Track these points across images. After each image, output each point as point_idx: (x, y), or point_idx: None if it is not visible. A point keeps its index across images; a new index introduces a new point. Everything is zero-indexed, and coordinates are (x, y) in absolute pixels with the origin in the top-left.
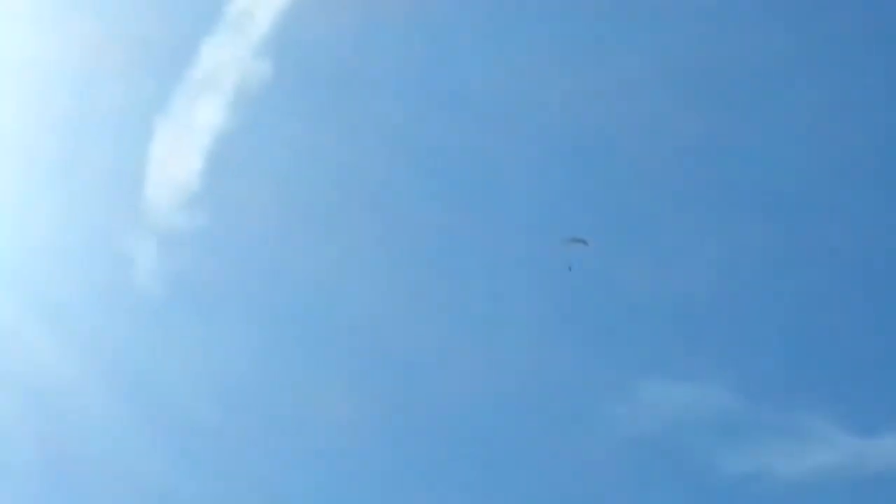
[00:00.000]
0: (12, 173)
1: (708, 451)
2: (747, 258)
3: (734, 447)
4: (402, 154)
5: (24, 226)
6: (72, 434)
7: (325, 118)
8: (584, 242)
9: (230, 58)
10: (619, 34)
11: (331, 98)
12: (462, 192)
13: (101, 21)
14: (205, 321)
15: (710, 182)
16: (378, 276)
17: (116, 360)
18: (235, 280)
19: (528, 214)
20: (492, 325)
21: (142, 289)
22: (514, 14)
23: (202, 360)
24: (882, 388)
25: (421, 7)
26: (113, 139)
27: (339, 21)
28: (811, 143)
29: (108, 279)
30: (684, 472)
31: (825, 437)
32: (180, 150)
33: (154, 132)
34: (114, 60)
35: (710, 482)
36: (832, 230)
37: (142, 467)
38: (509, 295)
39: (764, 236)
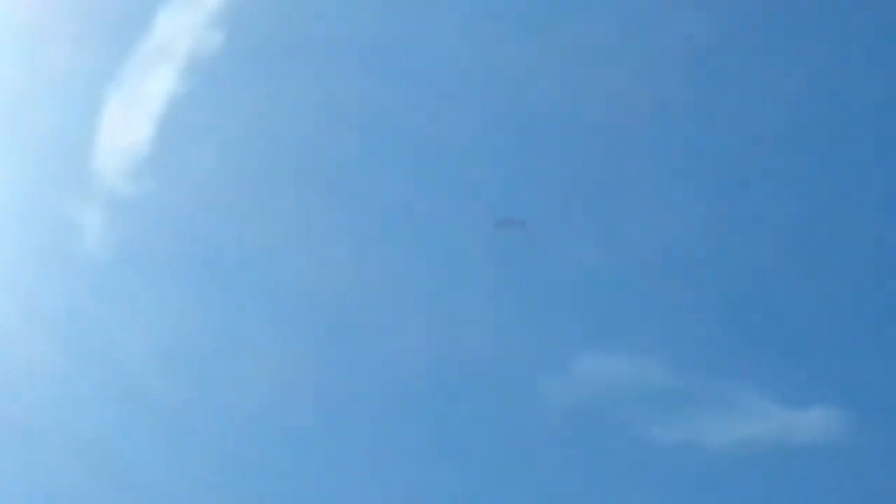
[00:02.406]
0: None
1: (640, 422)
2: (683, 231)
3: (666, 418)
4: (355, 125)
5: None
6: (19, 400)
7: (278, 88)
8: (521, 224)
9: (183, 26)
10: (570, 4)
11: (284, 68)
12: (412, 162)
13: None
14: (153, 288)
15: (651, 153)
16: (327, 246)
17: (64, 325)
18: (185, 248)
19: (473, 186)
20: (428, 294)
21: (90, 255)
22: None
23: (151, 326)
24: (811, 361)
25: None
26: (63, 106)
27: None
28: (758, 118)
29: (56, 245)
30: (616, 443)
31: (755, 409)
32: (131, 118)
33: (105, 100)
34: (65, 27)
35: (642, 452)
36: (768, 204)
37: (90, 433)
38: (448, 266)
39: (698, 208)
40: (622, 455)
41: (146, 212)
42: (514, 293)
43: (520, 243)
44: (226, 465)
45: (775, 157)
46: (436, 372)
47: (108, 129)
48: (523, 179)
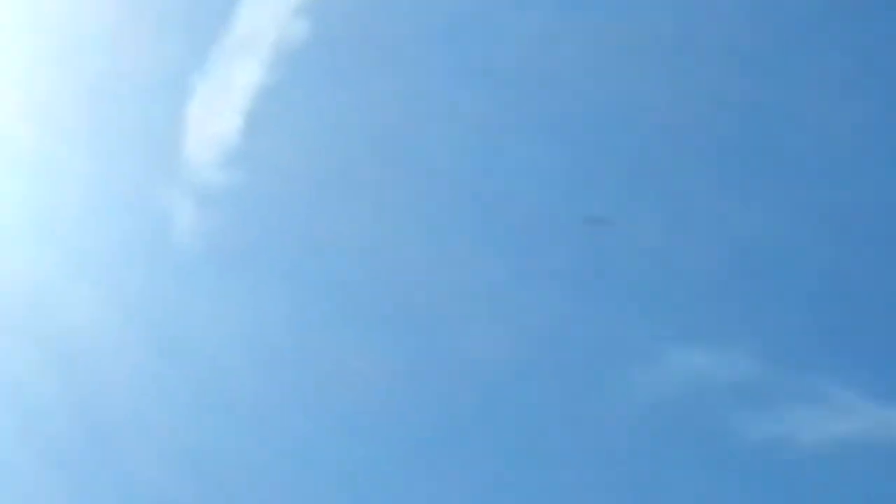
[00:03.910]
0: (51, 131)
1: (730, 417)
2: (774, 223)
3: (756, 413)
4: (442, 116)
5: (62, 184)
6: (108, 393)
7: (364, 79)
8: (609, 222)
9: (269, 16)
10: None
11: (369, 59)
12: (498, 154)
13: None
14: (243, 279)
15: (741, 144)
16: (414, 237)
17: (154, 318)
18: (273, 238)
19: (555, 174)
20: (515, 287)
21: (180, 246)
22: None
23: (240, 318)
24: None
25: None
26: (151, 98)
27: None
28: (856, 110)
29: (147, 237)
30: (706, 438)
31: (847, 405)
32: (218, 109)
33: (192, 91)
34: (152, 19)
35: (732, 448)
36: (863, 194)
37: (177, 426)
38: (533, 257)
39: (790, 200)
40: (713, 450)
41: (236, 202)
42: (603, 288)
43: (608, 238)
44: (315, 462)
45: (863, 149)
46: (525, 366)
47: (196, 120)
48: (611, 174)
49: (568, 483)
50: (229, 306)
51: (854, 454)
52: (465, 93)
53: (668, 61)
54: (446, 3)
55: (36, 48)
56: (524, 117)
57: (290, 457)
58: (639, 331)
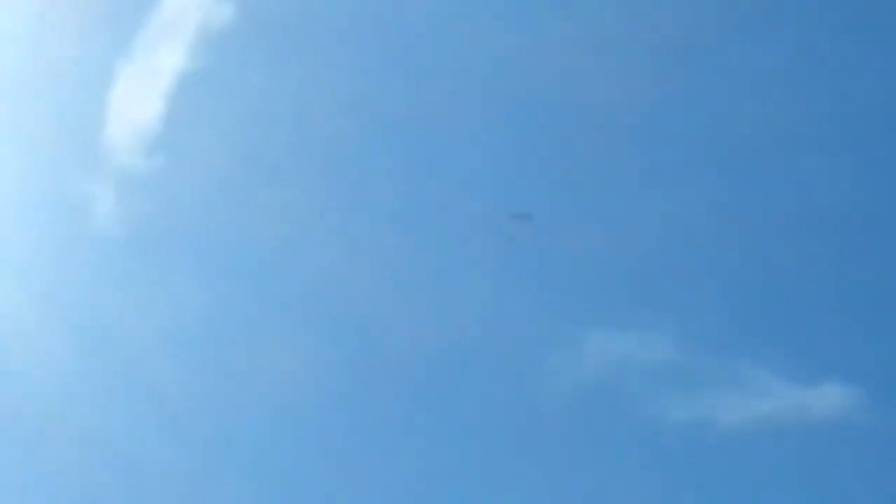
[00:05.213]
0: None
1: (651, 400)
2: (692, 209)
3: (677, 396)
4: (364, 105)
5: None
6: (27, 381)
7: (289, 65)
8: (529, 217)
9: (193, 1)
10: None
11: (293, 44)
12: (420, 147)
13: None
14: (164, 267)
15: (658, 134)
16: (337, 227)
17: (74, 305)
18: (196, 225)
19: (480, 167)
20: (438, 277)
21: (101, 233)
22: None
23: (162, 306)
24: (823, 338)
25: None
26: (73, 83)
27: None
28: (763, 99)
29: (68, 224)
30: (627, 422)
31: (767, 387)
32: (141, 95)
33: (114, 76)
34: (74, 3)
35: (653, 431)
36: (777, 183)
37: (99, 418)
38: (456, 248)
39: (709, 188)
40: (634, 433)
41: (158, 189)
42: (525, 275)
43: (530, 227)
44: (233, 452)
45: (780, 140)
46: (448, 353)
47: (118, 106)
48: (531, 165)
49: (493, 468)
50: (150, 293)
51: (774, 434)
52: (391, 81)
53: (586, 60)
54: None
55: None
56: (450, 110)
57: (210, 447)
58: (560, 317)
